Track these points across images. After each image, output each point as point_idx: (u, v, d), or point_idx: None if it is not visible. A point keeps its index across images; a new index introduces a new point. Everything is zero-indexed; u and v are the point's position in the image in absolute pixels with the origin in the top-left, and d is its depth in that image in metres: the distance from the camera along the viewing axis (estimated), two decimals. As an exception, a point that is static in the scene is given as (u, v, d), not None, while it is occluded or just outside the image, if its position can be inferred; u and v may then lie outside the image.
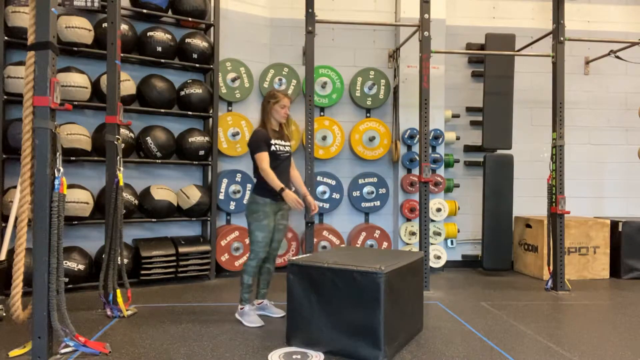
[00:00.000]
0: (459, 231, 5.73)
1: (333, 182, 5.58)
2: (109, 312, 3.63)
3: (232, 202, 5.28)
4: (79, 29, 4.36)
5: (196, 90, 4.93)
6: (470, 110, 5.91)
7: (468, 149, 5.92)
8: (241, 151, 5.29)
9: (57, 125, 2.77)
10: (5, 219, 3.77)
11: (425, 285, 4.41)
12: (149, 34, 4.75)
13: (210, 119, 5.12)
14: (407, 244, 5.57)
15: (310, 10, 4.62)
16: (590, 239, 5.32)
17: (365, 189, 5.64)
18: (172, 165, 5.09)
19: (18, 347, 2.88)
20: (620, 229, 5.41)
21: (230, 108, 5.39)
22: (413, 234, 5.50)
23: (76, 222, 4.35)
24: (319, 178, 5.52)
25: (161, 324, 3.50)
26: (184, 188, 4.97)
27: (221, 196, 5.20)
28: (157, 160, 4.79)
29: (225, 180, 5.23)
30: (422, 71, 4.66)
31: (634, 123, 6.03)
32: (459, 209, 5.71)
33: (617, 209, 6.09)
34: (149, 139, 4.70)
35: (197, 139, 4.92)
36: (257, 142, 3.49)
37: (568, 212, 4.73)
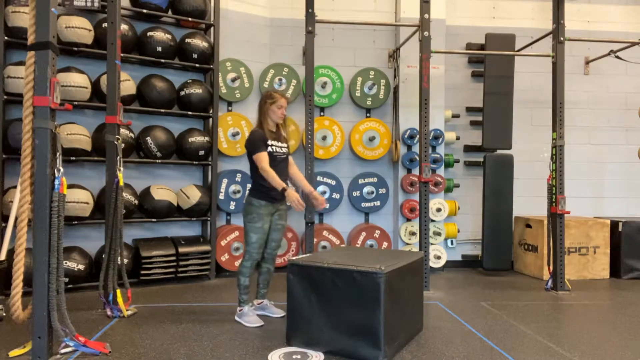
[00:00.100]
0: (459, 231, 5.72)
1: (333, 182, 5.58)
2: (109, 312, 3.63)
3: (232, 202, 5.28)
4: (79, 29, 4.36)
5: (196, 90, 4.93)
6: (470, 110, 5.91)
7: (468, 149, 5.92)
8: (241, 151, 5.29)
9: (57, 125, 2.77)
10: (5, 219, 3.77)
11: (425, 285, 4.41)
12: (149, 34, 4.75)
13: (210, 119, 5.12)
14: (407, 244, 5.57)
15: (310, 10, 4.62)
16: (590, 239, 5.32)
17: (365, 189, 5.63)
18: (172, 165, 5.09)
19: (18, 347, 2.88)
20: (620, 229, 5.41)
21: (230, 108, 5.39)
22: (413, 234, 5.50)
23: (76, 222, 4.35)
24: (319, 178, 5.52)
25: (161, 324, 3.50)
26: (184, 188, 4.97)
27: (221, 196, 5.21)
28: (157, 160, 4.79)
29: (225, 180, 5.23)
30: (422, 71, 4.66)
31: (634, 123, 6.03)
32: (459, 209, 5.71)
33: (617, 209, 6.08)
34: (149, 139, 4.70)
35: (197, 139, 4.92)
36: (255, 143, 3.46)
37: (568, 212, 4.73)
